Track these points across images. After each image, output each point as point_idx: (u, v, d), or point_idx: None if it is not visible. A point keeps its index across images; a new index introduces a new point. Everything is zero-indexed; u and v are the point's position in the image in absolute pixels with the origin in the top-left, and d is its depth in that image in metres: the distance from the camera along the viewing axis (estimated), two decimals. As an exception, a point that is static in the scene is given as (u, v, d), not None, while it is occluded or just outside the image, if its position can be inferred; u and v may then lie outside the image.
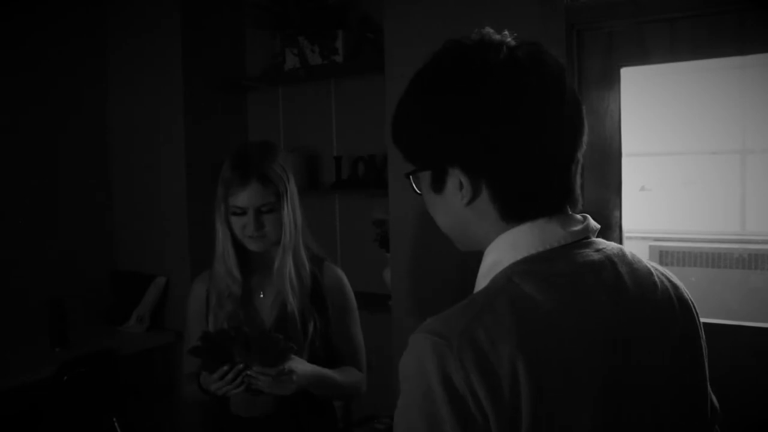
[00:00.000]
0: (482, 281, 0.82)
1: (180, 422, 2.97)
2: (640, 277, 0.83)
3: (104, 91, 3.19)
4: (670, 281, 0.86)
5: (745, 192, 4.62)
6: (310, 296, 1.65)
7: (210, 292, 1.68)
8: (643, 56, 2.09)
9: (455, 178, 0.81)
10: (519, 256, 0.79)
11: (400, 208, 2.34)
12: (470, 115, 0.78)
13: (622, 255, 0.84)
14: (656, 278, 0.84)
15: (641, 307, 0.81)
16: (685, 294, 0.87)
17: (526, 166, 0.79)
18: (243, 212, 1.58)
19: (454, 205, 0.83)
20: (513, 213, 0.81)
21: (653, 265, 0.86)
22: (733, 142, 4.52)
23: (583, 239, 0.82)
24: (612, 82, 2.09)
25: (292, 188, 1.63)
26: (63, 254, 2.99)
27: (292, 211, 1.62)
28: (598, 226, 0.86)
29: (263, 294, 1.68)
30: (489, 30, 0.83)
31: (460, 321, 0.73)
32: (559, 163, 0.81)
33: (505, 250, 0.80)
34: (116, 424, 2.64)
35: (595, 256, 0.81)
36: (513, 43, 0.81)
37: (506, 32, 0.83)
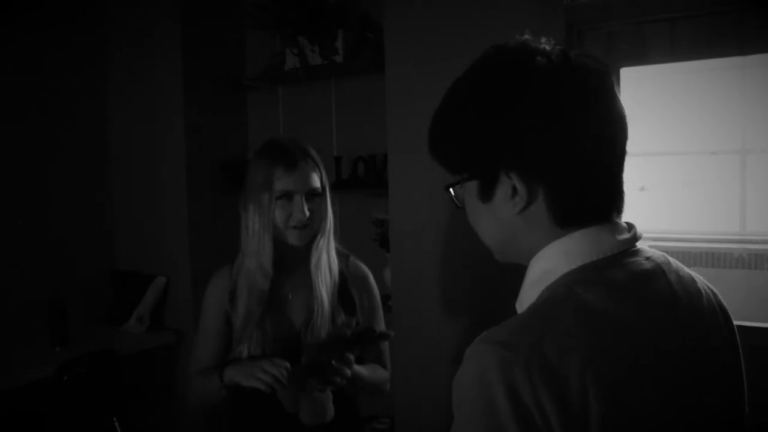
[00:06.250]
0: (531, 289, 0.80)
1: (180, 422, 2.97)
2: (687, 284, 0.83)
3: (104, 91, 3.19)
4: (710, 289, 0.87)
5: (745, 192, 4.63)
6: (338, 294, 1.61)
7: (237, 288, 1.59)
8: (643, 56, 2.09)
9: (506, 185, 0.78)
10: (573, 265, 0.77)
11: (400, 208, 2.34)
12: (530, 117, 0.76)
13: (668, 263, 0.83)
14: (699, 286, 0.85)
15: (692, 314, 0.81)
16: (723, 301, 0.87)
17: (585, 168, 0.78)
18: (290, 197, 1.52)
19: (503, 213, 0.80)
20: (568, 219, 0.78)
21: (693, 272, 0.87)
22: (732, 142, 4.53)
23: (630, 248, 0.81)
24: (612, 82, 2.10)
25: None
26: (63, 254, 2.99)
27: (329, 200, 1.60)
28: (643, 235, 0.84)
29: (291, 296, 1.61)
30: (528, 37, 0.81)
31: (527, 332, 0.70)
32: (612, 166, 0.80)
33: (557, 259, 0.78)
34: (116, 424, 2.64)
35: (647, 265, 0.80)
36: (560, 47, 0.79)
37: (544, 38, 0.81)
